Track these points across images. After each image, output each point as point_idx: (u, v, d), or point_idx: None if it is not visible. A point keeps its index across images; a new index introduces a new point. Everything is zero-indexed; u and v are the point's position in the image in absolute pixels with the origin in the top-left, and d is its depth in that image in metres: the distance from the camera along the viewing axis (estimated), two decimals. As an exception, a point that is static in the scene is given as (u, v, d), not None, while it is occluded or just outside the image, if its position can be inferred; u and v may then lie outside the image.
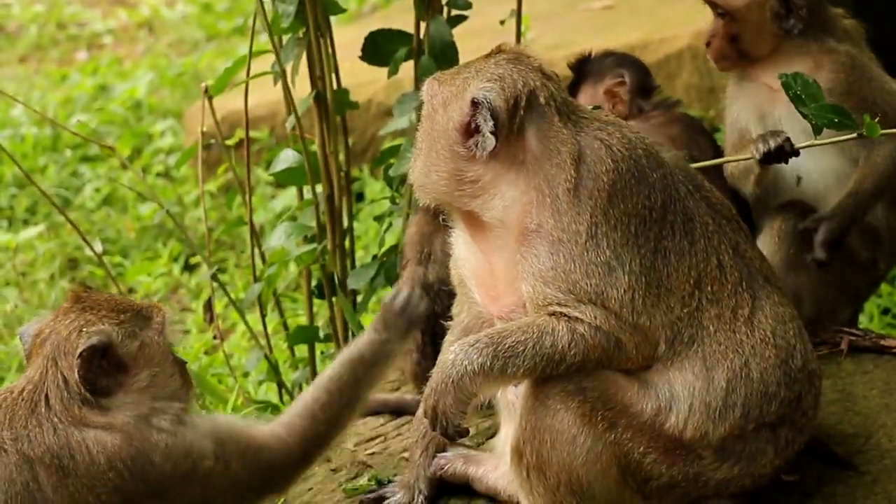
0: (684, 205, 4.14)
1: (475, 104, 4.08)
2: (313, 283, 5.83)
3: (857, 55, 5.26)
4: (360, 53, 5.40)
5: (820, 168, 5.07)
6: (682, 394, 4.04)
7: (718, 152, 5.43)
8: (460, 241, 4.33)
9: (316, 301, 5.87)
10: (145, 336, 4.15)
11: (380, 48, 5.39)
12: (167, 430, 4.04)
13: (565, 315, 4.00)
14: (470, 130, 4.11)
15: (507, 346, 4.00)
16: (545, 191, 4.07)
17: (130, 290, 7.82)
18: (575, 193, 4.05)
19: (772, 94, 5.17)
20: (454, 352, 4.03)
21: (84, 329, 4.08)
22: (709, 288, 4.08)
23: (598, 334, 4.00)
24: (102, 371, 4.05)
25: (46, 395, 4.05)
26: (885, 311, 6.50)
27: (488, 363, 3.99)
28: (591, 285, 4.00)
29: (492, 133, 4.06)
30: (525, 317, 4.08)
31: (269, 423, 4.28)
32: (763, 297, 4.15)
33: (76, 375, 4.03)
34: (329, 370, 4.31)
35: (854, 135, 4.51)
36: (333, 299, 5.72)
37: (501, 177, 4.12)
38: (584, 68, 5.58)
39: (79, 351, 4.02)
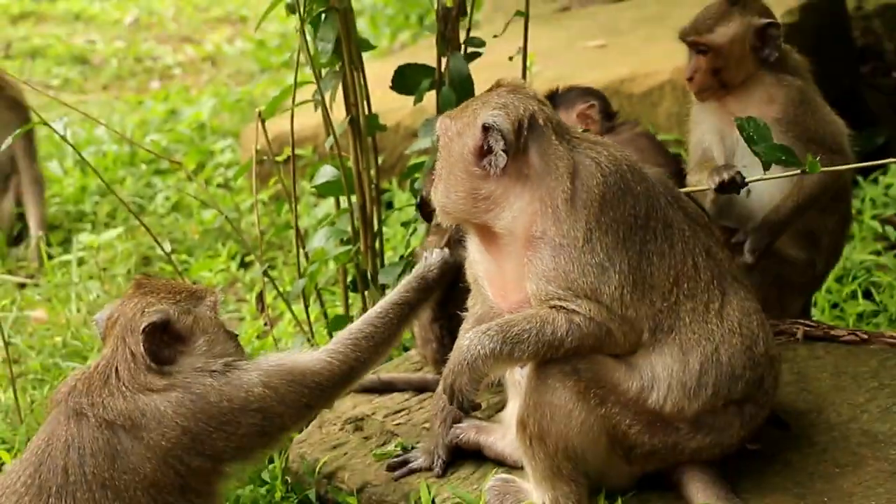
0: (665, 213, 4.13)
1: (486, 129, 4.08)
2: (349, 278, 5.83)
3: (805, 88, 5.23)
4: (389, 84, 5.41)
5: (766, 184, 5.02)
6: (661, 375, 4.03)
7: (677, 161, 5.54)
8: (473, 248, 4.33)
9: (351, 294, 5.87)
10: (198, 312, 4.18)
11: (407, 80, 5.41)
12: (218, 372, 4.09)
13: (564, 308, 4.00)
14: (483, 152, 4.11)
15: (514, 333, 4.00)
16: (547, 201, 4.07)
17: (195, 284, 7.82)
18: (572, 203, 4.05)
19: (732, 119, 5.08)
20: (469, 338, 4.03)
21: (146, 310, 4.10)
22: (685, 285, 4.09)
23: (591, 324, 3.99)
24: (164, 343, 4.07)
25: (117, 368, 4.07)
26: (835, 306, 6.47)
27: (498, 348, 3.99)
28: (587, 283, 4.00)
29: (503, 151, 4.06)
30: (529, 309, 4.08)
31: (315, 350, 4.33)
32: (731, 294, 4.15)
33: (141, 349, 4.05)
34: (377, 308, 4.43)
35: (798, 172, 4.54)
36: (366, 292, 5.73)
37: (510, 190, 4.11)
38: (554, 100, 5.60)
39: (142, 327, 4.05)
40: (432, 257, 4.57)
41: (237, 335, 4.30)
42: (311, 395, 4.20)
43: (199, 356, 4.12)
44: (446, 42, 5.37)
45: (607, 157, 4.13)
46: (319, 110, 5.54)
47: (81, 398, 4.03)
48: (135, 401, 4.01)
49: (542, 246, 4.06)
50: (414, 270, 4.56)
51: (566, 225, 4.04)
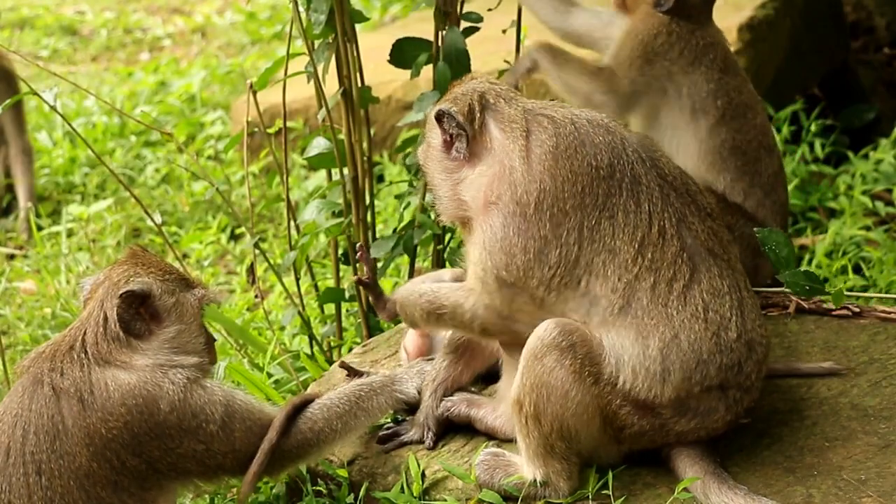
0: (633, 167, 4.06)
1: (439, 119, 4.18)
2: (340, 251, 5.82)
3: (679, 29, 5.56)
4: (385, 57, 5.38)
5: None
6: (624, 358, 3.99)
7: None
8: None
9: (342, 266, 5.86)
10: (182, 297, 4.13)
11: (405, 53, 5.37)
12: (178, 384, 4.00)
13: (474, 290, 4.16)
14: (449, 144, 4.19)
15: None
16: (505, 162, 4.09)
17: (185, 256, 7.81)
18: (527, 160, 4.05)
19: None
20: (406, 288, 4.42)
21: (132, 278, 4.07)
22: (649, 255, 3.99)
23: (492, 315, 4.17)
24: (139, 316, 4.04)
25: (85, 332, 4.03)
26: (825, 280, 6.47)
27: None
28: (523, 261, 4.02)
29: (462, 131, 4.14)
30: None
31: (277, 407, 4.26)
32: (703, 271, 4.03)
33: (115, 314, 4.01)
34: (345, 405, 4.31)
35: None
36: (357, 265, 5.71)
37: (476, 165, 4.17)
38: None
39: (121, 293, 4.01)
40: (413, 373, 4.53)
41: (215, 339, 4.26)
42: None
43: (167, 345, 4.06)
44: (443, 16, 5.33)
45: (563, 112, 4.15)
46: (311, 83, 5.50)
47: (44, 363, 3.99)
48: (90, 371, 3.96)
49: (496, 212, 4.06)
50: (394, 380, 4.48)
51: (521, 188, 4.03)
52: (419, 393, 4.45)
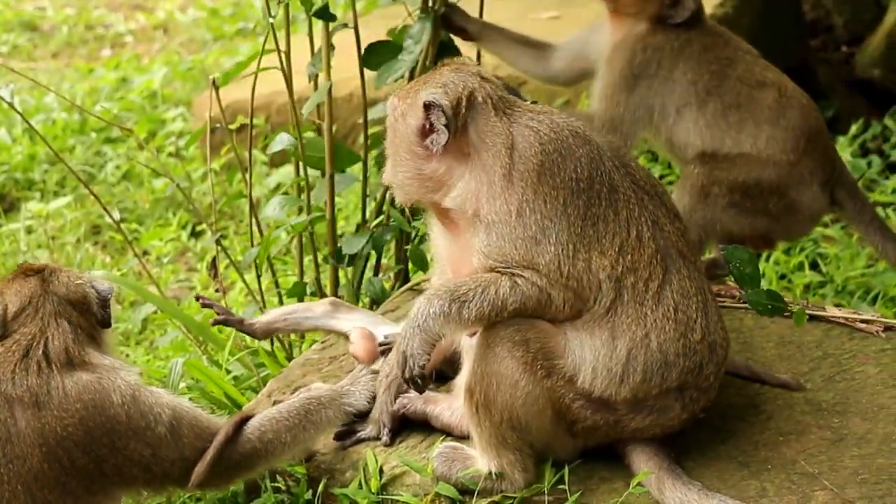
0: (610, 177, 4.11)
1: (427, 107, 4.13)
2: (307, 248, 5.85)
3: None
4: (348, 53, 5.40)
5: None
6: (588, 357, 4.04)
7: None
8: (435, 226, 4.37)
9: (305, 262, 5.89)
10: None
11: (380, 56, 5.41)
12: (130, 382, 4.06)
13: (508, 272, 4.03)
14: (426, 131, 4.16)
15: (460, 293, 4.03)
16: (483, 179, 4.10)
17: (145, 253, 7.80)
18: (508, 178, 4.06)
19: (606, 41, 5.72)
20: (419, 302, 4.06)
21: (91, 282, 4.29)
22: (629, 257, 4.06)
23: (533, 287, 4.01)
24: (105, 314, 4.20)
25: (46, 340, 4.15)
26: (782, 276, 6.55)
27: (446, 306, 4.01)
28: (520, 255, 4.02)
29: (444, 127, 4.10)
30: None
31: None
32: (673, 272, 4.10)
33: (100, 312, 4.24)
34: (293, 419, 4.31)
35: None
36: (319, 261, 5.75)
37: (453, 169, 4.16)
38: None
39: (103, 295, 4.28)
40: (361, 385, 4.51)
41: None
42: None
43: (112, 351, 4.20)
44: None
45: (549, 124, 4.14)
46: (274, 78, 5.52)
47: None
48: (49, 377, 4.01)
49: (479, 224, 4.09)
50: (343, 393, 4.47)
51: (499, 201, 4.06)
52: (369, 403, 4.45)
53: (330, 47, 5.48)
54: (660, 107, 5.59)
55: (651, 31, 5.60)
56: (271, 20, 5.37)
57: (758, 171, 5.49)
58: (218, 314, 4.88)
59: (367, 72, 5.53)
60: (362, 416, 4.51)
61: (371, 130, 5.71)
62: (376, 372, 4.52)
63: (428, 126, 4.15)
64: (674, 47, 5.59)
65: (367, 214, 5.78)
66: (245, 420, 4.24)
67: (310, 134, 5.65)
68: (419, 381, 4.05)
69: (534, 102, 4.36)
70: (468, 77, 4.20)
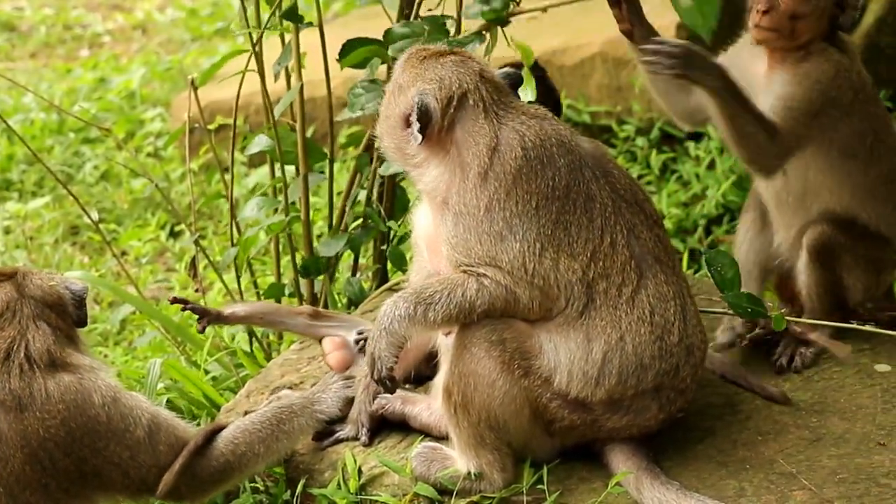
0: (588, 187, 4.11)
1: (416, 101, 4.12)
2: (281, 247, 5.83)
3: (848, 66, 4.78)
4: (323, 54, 5.38)
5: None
6: (564, 360, 4.05)
7: None
8: (420, 205, 4.38)
9: (282, 263, 5.87)
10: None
11: (355, 53, 5.38)
12: (110, 383, 4.08)
13: (474, 272, 4.03)
14: (409, 121, 4.16)
15: (426, 295, 4.03)
16: (458, 174, 4.11)
17: (123, 253, 7.77)
18: (483, 177, 4.07)
19: (759, 79, 4.78)
20: (386, 304, 4.06)
21: (63, 282, 4.26)
22: (601, 263, 4.06)
23: (498, 288, 4.02)
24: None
25: (27, 342, 4.11)
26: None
27: (412, 309, 4.02)
28: (483, 251, 4.03)
29: (419, 132, 4.10)
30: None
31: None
32: (650, 277, 4.11)
33: (75, 313, 4.23)
34: (266, 429, 4.28)
35: None
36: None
37: (431, 158, 4.17)
38: None
39: (79, 295, 4.25)
40: (332, 391, 4.48)
41: None
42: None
43: (87, 347, 4.21)
44: (401, 12, 5.37)
45: (536, 131, 4.14)
46: (251, 79, 5.50)
47: None
48: (31, 380, 4.00)
49: (447, 212, 4.10)
50: (314, 401, 4.44)
51: (469, 195, 4.07)
52: (340, 410, 4.44)
53: (299, 48, 5.46)
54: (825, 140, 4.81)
55: (839, 58, 4.76)
56: (249, 26, 5.35)
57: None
58: (197, 315, 4.84)
59: (338, 73, 5.50)
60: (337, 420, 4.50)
61: (349, 131, 5.71)
62: (349, 378, 4.51)
63: (411, 118, 4.15)
64: (852, 80, 4.78)
65: (340, 216, 5.75)
66: (217, 430, 4.23)
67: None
68: (388, 382, 4.06)
69: (530, 103, 4.34)
70: (467, 75, 4.19)
